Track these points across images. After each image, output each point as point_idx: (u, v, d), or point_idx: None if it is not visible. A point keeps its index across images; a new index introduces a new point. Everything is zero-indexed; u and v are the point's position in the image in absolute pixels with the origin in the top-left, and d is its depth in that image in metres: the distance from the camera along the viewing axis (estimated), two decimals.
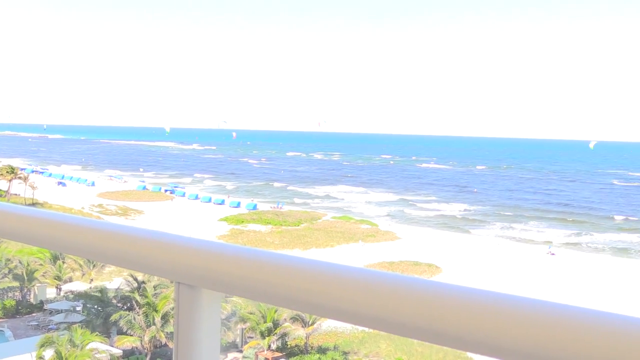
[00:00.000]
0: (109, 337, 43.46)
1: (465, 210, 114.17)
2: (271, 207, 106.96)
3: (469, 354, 36.91)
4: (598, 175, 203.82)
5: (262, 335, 44.24)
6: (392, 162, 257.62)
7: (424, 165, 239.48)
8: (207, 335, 1.48)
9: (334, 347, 45.69)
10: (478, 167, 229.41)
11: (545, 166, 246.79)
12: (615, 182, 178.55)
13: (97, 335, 40.72)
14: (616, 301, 55.30)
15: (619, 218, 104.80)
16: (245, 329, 46.28)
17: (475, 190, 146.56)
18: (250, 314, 45.16)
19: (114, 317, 43.39)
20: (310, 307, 1.27)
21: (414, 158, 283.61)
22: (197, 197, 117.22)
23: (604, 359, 0.90)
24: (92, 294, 49.52)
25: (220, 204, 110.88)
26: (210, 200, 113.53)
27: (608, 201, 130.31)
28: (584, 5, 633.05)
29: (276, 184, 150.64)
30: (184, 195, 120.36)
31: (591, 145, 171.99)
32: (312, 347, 45.73)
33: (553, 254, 76.93)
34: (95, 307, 46.95)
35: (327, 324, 47.52)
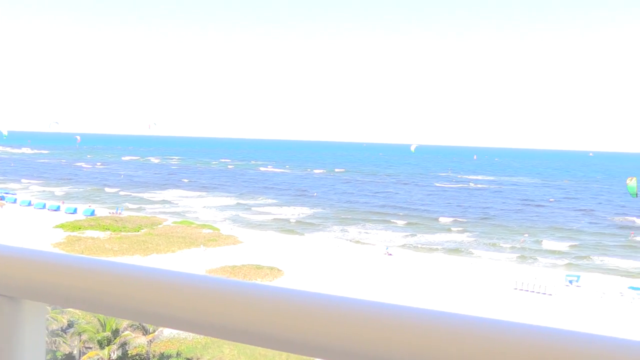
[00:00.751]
0: None
1: (305, 213, 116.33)
2: (110, 213, 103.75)
3: None
4: (430, 178, 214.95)
5: (101, 345, 43.09)
6: (230, 166, 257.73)
7: (262, 169, 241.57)
8: (31, 349, 1.37)
9: (177, 354, 45.31)
10: (316, 171, 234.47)
11: (381, 170, 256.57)
12: (445, 184, 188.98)
13: None
14: (451, 296, 58.66)
15: (449, 220, 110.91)
16: (81, 340, 44.86)
17: (315, 193, 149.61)
18: (87, 323, 43.88)
19: None
20: (145, 317, 1.21)
21: (252, 162, 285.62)
22: (30, 204, 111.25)
23: (431, 356, 0.91)
24: None
25: (55, 210, 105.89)
26: (44, 207, 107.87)
27: (439, 203, 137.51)
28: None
29: (108, 189, 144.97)
30: (15, 201, 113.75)
31: (412, 149, 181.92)
32: (154, 355, 45.12)
33: (390, 254, 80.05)
34: None
35: (169, 331, 47.02)
